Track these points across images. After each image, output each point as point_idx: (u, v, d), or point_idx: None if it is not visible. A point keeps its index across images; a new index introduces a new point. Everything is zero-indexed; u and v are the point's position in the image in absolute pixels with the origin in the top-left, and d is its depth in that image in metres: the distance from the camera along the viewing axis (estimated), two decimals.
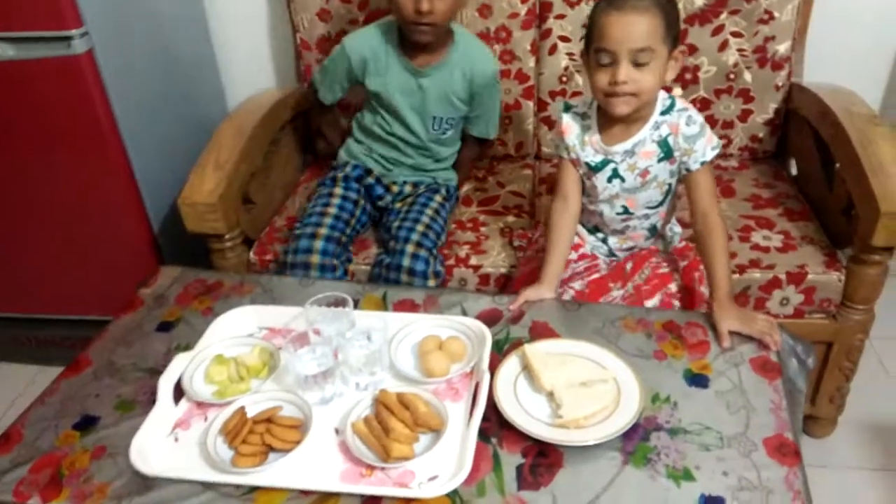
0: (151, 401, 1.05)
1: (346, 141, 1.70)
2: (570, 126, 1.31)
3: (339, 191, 1.60)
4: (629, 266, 1.37)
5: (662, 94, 1.25)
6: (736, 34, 1.69)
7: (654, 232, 1.38)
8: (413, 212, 1.55)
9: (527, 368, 1.08)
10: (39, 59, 1.50)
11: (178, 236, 1.75)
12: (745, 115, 1.78)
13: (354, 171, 1.64)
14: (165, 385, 1.05)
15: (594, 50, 1.18)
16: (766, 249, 1.48)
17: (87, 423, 1.04)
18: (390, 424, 0.95)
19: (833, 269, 1.43)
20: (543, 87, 1.80)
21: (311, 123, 1.90)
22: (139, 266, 1.74)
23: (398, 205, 1.62)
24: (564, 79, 1.78)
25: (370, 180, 1.64)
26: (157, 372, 1.11)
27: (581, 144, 1.30)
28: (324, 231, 1.50)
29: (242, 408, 1.01)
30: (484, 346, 1.09)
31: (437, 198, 1.60)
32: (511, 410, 1.00)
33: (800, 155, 1.79)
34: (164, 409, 1.03)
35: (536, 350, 1.09)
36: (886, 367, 1.79)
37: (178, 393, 1.07)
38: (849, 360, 1.50)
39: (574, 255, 1.38)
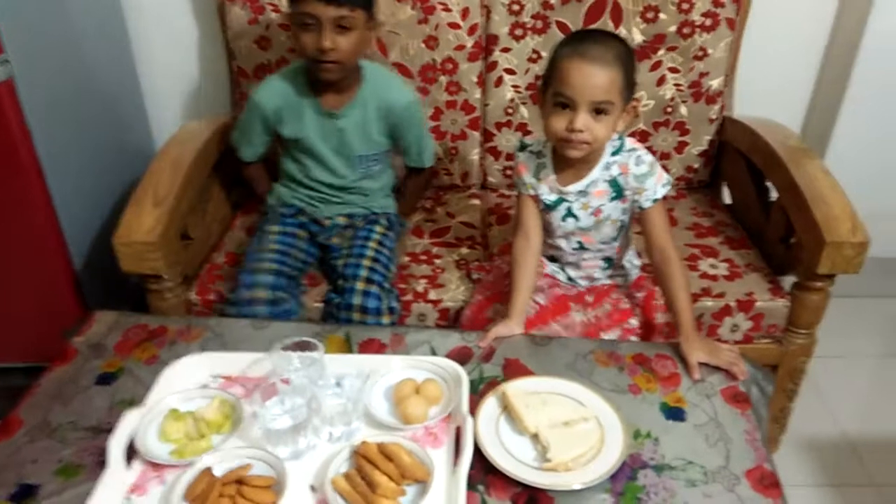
0: (99, 463, 0.95)
1: (273, 186, 1.65)
2: (525, 165, 1.32)
3: (275, 227, 1.54)
4: (590, 297, 1.38)
5: (613, 136, 1.27)
6: (673, 69, 1.75)
7: (610, 263, 1.39)
8: (356, 247, 1.50)
9: (507, 409, 1.05)
10: None
11: (103, 274, 1.63)
12: (681, 147, 1.84)
13: (287, 209, 1.59)
14: (116, 446, 0.95)
15: (553, 92, 1.17)
16: (715, 278, 1.52)
17: (24, 494, 0.93)
18: (375, 479, 0.90)
19: (778, 296, 1.48)
20: (489, 118, 1.80)
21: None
22: (60, 307, 1.61)
23: (336, 240, 1.56)
24: (510, 110, 1.79)
25: (303, 218, 1.58)
26: (101, 430, 1.01)
27: (537, 183, 1.31)
28: (267, 265, 1.43)
29: (209, 469, 0.92)
30: (461, 388, 1.05)
31: (378, 228, 1.56)
32: (498, 455, 0.96)
33: (733, 184, 1.86)
34: (116, 473, 0.93)
35: (516, 389, 1.06)
36: (820, 387, 1.87)
37: (129, 454, 0.97)
38: (792, 382, 1.56)
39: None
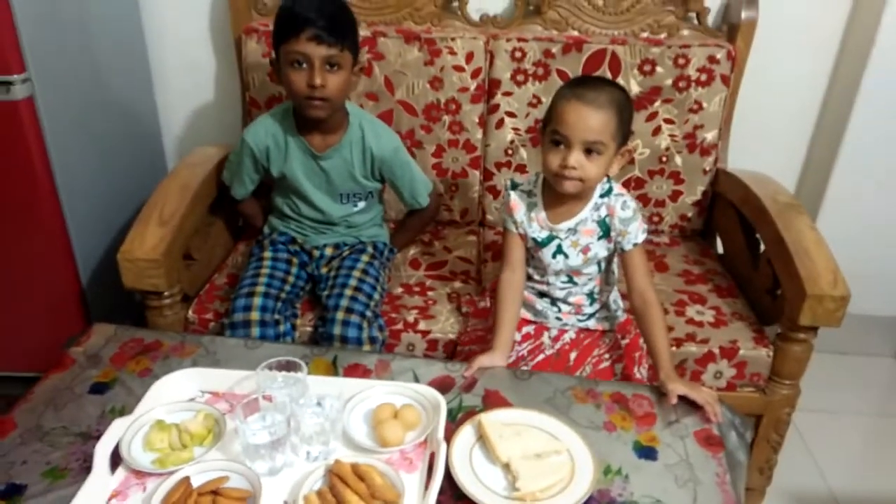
0: (84, 468, 0.99)
1: (268, 217, 1.71)
2: (517, 203, 1.37)
3: (267, 254, 1.59)
4: (573, 356, 1.40)
5: (602, 179, 1.32)
6: (668, 121, 1.80)
7: (594, 299, 1.42)
8: (340, 276, 1.54)
9: (482, 438, 1.07)
10: None
11: (109, 290, 1.68)
12: (675, 196, 1.89)
13: (280, 237, 1.64)
14: (102, 452, 0.98)
15: (551, 130, 1.24)
16: (700, 324, 1.55)
17: (11, 492, 0.96)
18: (346, 497, 0.92)
19: (762, 345, 1.51)
20: (490, 158, 1.86)
21: None
22: (65, 320, 1.66)
23: (324, 269, 1.61)
24: (510, 151, 1.85)
25: (295, 247, 1.63)
26: (90, 437, 1.05)
27: (528, 221, 1.36)
28: (259, 289, 1.48)
29: (187, 478, 0.95)
30: (438, 415, 1.08)
31: (364, 257, 1.60)
32: (468, 482, 0.99)
33: (725, 235, 1.90)
34: (100, 478, 0.97)
35: (491, 420, 1.09)
36: (805, 440, 1.88)
37: (114, 460, 1.00)
38: (777, 433, 1.57)
39: (518, 337, 1.41)
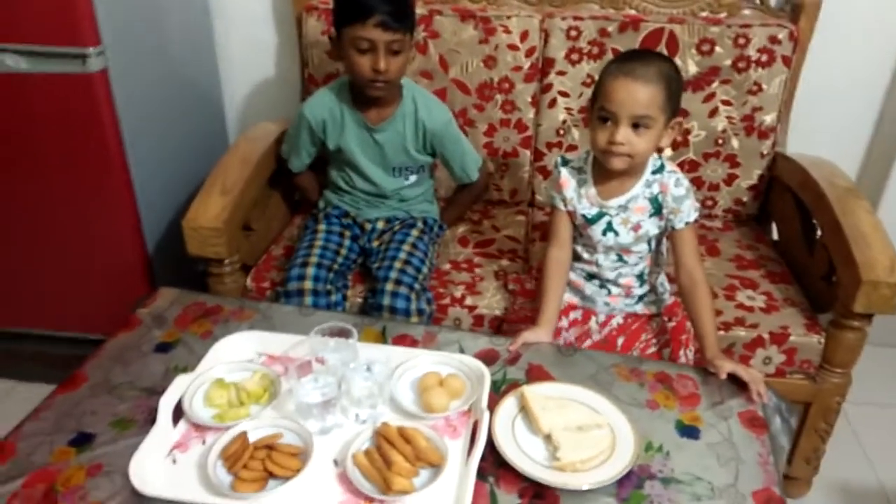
0: (149, 420, 1.05)
1: (323, 192, 1.76)
2: (567, 180, 1.37)
3: (322, 226, 1.65)
4: (620, 341, 1.41)
5: (654, 156, 1.32)
6: (726, 102, 1.77)
7: (643, 280, 1.42)
8: (390, 250, 1.58)
9: (524, 410, 1.10)
10: (52, 74, 1.51)
11: (172, 259, 1.76)
12: (730, 179, 1.86)
13: (334, 210, 1.69)
14: (166, 406, 1.05)
15: (598, 107, 1.25)
16: (751, 309, 1.54)
17: (82, 440, 1.04)
18: (392, 457, 0.97)
19: (813, 331, 1.48)
20: (541, 138, 1.86)
21: None
22: (130, 287, 1.73)
23: (375, 243, 1.65)
24: (562, 132, 1.85)
25: (348, 221, 1.68)
26: (154, 392, 1.11)
27: (578, 197, 1.36)
28: (313, 259, 1.53)
29: (244, 433, 1.01)
30: (483, 386, 1.11)
31: (414, 232, 1.64)
32: (509, 451, 1.02)
33: (781, 220, 1.86)
34: (163, 430, 1.03)
35: (534, 392, 1.11)
36: (857, 433, 1.84)
37: (177, 414, 1.07)
38: (825, 422, 1.55)
39: (565, 323, 1.42)
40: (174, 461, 1.01)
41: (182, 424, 1.06)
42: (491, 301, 1.54)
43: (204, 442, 1.03)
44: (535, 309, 1.41)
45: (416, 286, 1.50)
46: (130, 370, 1.18)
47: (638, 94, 1.19)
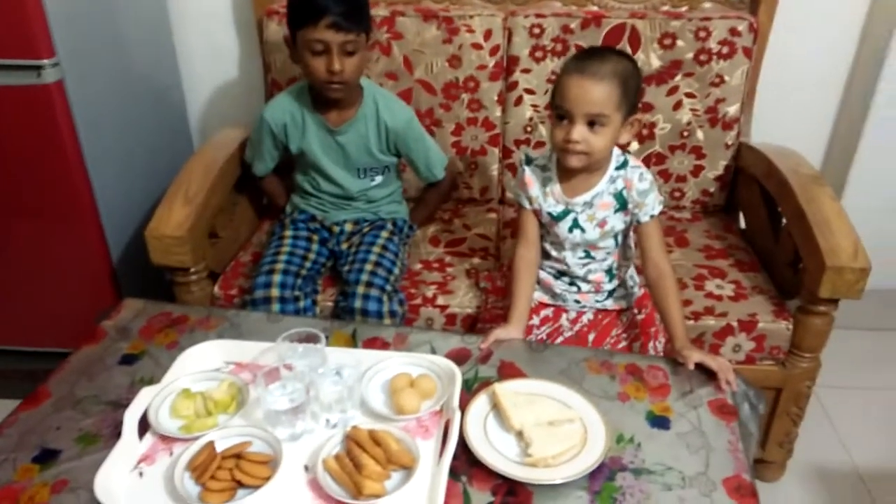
0: (114, 434, 1.03)
1: (290, 196, 1.75)
2: (531, 179, 1.37)
3: (288, 232, 1.64)
4: (591, 337, 1.41)
5: (616, 151, 1.33)
6: (689, 95, 1.79)
7: (613, 275, 1.43)
8: (360, 252, 1.57)
9: (496, 407, 1.10)
10: (6, 87, 1.48)
11: (138, 269, 1.73)
12: (697, 171, 1.88)
13: (301, 215, 1.68)
14: (130, 418, 1.03)
15: (555, 105, 1.25)
16: (720, 298, 1.55)
17: (47, 457, 1.02)
18: (362, 461, 0.96)
19: (781, 318, 1.50)
20: (509, 135, 1.87)
21: None
22: (96, 299, 1.70)
23: (345, 246, 1.64)
24: (529, 129, 1.85)
25: (315, 224, 1.67)
26: (119, 405, 1.09)
27: (543, 195, 1.36)
28: (279, 266, 1.52)
29: (211, 443, 0.99)
30: (454, 385, 1.11)
31: (384, 233, 1.63)
32: (481, 448, 1.01)
33: (747, 209, 1.89)
34: (129, 444, 1.01)
35: (506, 389, 1.11)
36: (829, 415, 1.87)
37: (143, 427, 1.05)
38: (797, 406, 1.57)
39: (536, 321, 1.42)
40: (141, 474, 0.99)
41: (149, 437, 1.04)
42: (463, 300, 1.54)
43: (171, 454, 1.02)
44: (507, 307, 1.42)
45: (388, 288, 1.50)
46: (95, 384, 1.16)
47: (592, 92, 1.19)
